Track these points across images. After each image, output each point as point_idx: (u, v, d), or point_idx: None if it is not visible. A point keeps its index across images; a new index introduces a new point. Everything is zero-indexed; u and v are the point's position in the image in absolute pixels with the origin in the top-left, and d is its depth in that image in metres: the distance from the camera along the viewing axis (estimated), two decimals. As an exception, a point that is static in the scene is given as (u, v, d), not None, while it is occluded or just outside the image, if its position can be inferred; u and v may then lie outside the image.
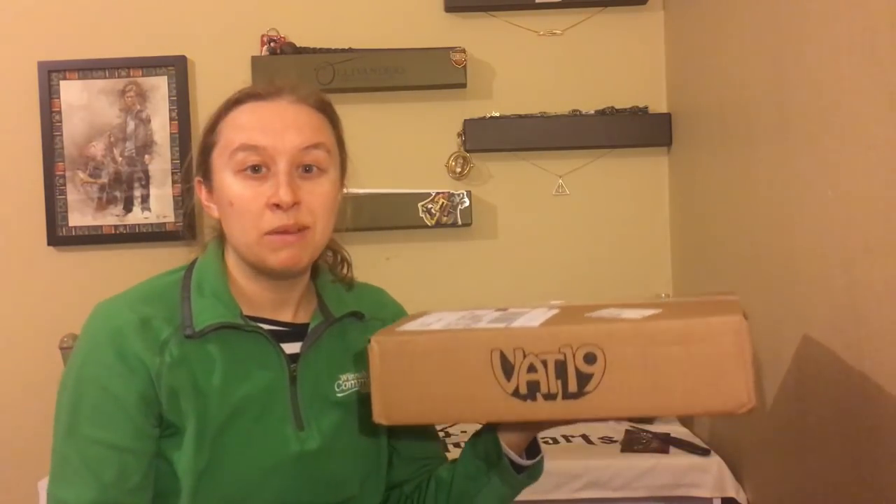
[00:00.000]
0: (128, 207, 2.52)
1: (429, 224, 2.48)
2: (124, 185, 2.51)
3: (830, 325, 1.51)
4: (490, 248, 2.58)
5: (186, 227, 2.37)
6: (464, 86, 2.51)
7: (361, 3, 2.56)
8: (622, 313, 1.00)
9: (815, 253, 1.57)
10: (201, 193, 1.18)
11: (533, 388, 0.96)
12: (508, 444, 1.13)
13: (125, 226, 2.51)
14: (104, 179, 2.51)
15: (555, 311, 1.06)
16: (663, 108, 2.57)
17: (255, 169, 1.10)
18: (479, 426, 1.19)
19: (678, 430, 2.19)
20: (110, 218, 2.51)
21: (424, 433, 1.29)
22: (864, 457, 1.42)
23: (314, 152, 1.12)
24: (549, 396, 0.96)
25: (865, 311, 1.39)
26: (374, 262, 2.46)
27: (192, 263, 1.18)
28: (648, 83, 2.58)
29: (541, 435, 1.20)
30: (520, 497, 1.22)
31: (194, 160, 1.19)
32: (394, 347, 1.01)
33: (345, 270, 1.28)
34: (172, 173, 2.51)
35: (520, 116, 2.52)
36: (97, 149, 2.51)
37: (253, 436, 1.10)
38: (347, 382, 1.19)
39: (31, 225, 2.51)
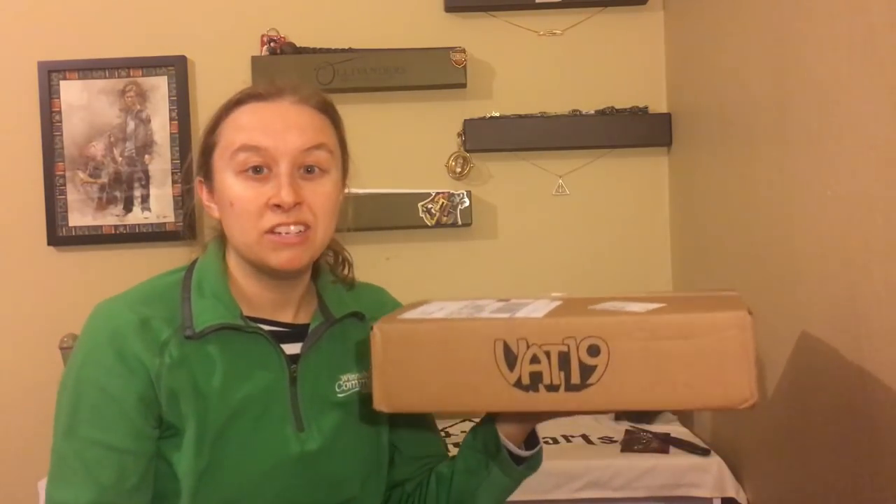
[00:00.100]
0: (128, 207, 2.52)
1: (429, 224, 2.47)
2: (124, 185, 2.51)
3: (830, 325, 1.51)
4: (490, 248, 2.58)
5: (186, 228, 2.37)
6: (464, 86, 2.51)
7: (361, 3, 2.56)
8: (626, 306, 0.99)
9: (815, 253, 1.57)
10: (202, 194, 1.18)
11: (536, 379, 0.96)
12: (507, 435, 1.14)
13: (125, 226, 2.51)
14: (104, 179, 2.51)
15: (557, 303, 1.05)
16: (663, 108, 2.57)
17: (257, 170, 1.09)
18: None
19: (678, 430, 2.19)
20: (110, 218, 2.51)
21: (426, 431, 1.29)
22: (864, 456, 1.41)
23: (316, 153, 1.12)
24: (552, 388, 0.96)
25: (865, 310, 1.39)
26: (374, 262, 2.46)
27: (193, 264, 1.18)
28: (648, 83, 2.58)
29: (540, 435, 1.20)
30: (520, 497, 1.23)
31: (195, 160, 1.19)
32: (396, 335, 1.01)
33: (346, 271, 1.27)
34: (172, 173, 2.51)
35: (520, 116, 2.52)
36: (97, 149, 2.51)
37: (253, 437, 1.10)
38: (348, 383, 1.19)
39: (31, 225, 2.51)
